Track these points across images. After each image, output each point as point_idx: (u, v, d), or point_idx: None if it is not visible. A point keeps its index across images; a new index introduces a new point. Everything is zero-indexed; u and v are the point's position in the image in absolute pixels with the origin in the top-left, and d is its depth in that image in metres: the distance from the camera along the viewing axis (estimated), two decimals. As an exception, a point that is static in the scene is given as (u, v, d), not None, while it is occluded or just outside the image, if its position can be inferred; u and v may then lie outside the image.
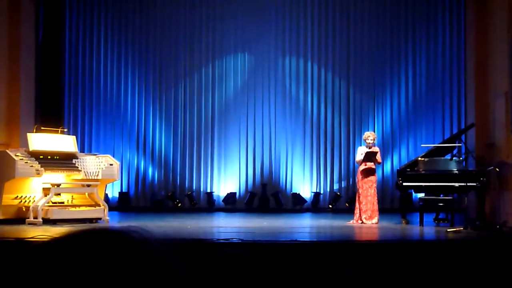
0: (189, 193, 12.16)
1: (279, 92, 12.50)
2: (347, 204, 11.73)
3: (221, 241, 5.92)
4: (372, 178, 8.95)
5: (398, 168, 9.97)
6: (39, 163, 8.06)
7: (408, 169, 9.10)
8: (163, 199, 12.22)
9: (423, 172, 8.82)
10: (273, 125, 12.48)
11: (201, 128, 12.52)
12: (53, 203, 8.16)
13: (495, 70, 9.78)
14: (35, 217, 7.73)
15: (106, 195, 10.02)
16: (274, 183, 12.32)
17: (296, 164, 12.42)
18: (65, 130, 9.82)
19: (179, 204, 12.06)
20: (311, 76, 12.57)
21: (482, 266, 5.07)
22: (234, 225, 8.66)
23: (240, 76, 12.62)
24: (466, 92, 11.41)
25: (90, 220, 8.24)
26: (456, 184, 8.48)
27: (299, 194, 12.11)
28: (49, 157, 8.36)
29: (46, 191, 8.02)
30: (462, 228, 7.38)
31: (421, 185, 8.79)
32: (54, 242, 0.71)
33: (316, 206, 12.02)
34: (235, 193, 12.23)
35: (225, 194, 12.18)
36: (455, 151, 9.78)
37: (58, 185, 8.19)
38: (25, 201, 8.09)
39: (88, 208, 8.40)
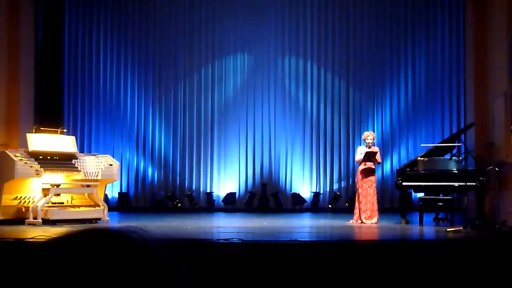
0: (188, 193, 12.16)
1: (278, 92, 12.50)
2: (346, 204, 11.73)
3: (221, 241, 5.92)
4: (372, 178, 8.95)
5: (398, 168, 9.98)
6: (38, 164, 8.06)
7: (408, 169, 9.11)
8: (162, 199, 12.21)
9: (422, 171, 8.82)
10: (272, 125, 12.48)
11: (200, 128, 12.52)
12: (52, 203, 8.16)
13: (494, 70, 9.78)
14: (35, 218, 7.73)
15: (105, 195, 10.02)
16: (274, 183, 12.33)
17: (295, 164, 12.42)
18: (65, 130, 9.82)
19: (179, 204, 12.06)
20: (310, 76, 12.57)
21: (482, 265, 5.07)
22: (234, 225, 8.66)
23: (239, 76, 12.63)
24: (466, 91, 11.42)
25: (90, 221, 8.23)
26: (456, 184, 8.48)
27: (298, 194, 12.12)
28: (48, 157, 8.36)
29: (45, 192, 8.02)
30: (461, 228, 7.38)
31: (421, 185, 8.79)
32: (53, 242, 0.71)
33: (315, 206, 12.03)
34: (235, 193, 12.23)
35: (225, 194, 12.18)
36: (454, 151, 9.78)
37: (58, 186, 8.19)
38: (25, 201, 8.09)
39: (87, 208, 8.40)
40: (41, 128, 9.10)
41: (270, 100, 12.50)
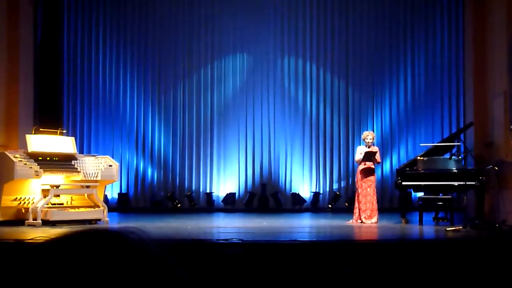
0: (188, 193, 12.16)
1: (278, 92, 12.50)
2: (346, 204, 11.74)
3: (221, 241, 5.91)
4: (372, 177, 8.95)
5: (397, 168, 9.97)
6: (38, 165, 8.05)
7: (407, 168, 9.11)
8: (162, 199, 12.21)
9: (422, 171, 8.83)
10: (272, 125, 12.48)
11: (200, 129, 12.52)
12: (52, 204, 8.15)
13: (493, 69, 9.79)
14: (35, 219, 7.72)
15: (105, 196, 10.01)
16: (274, 183, 12.33)
17: (295, 164, 12.42)
18: (64, 131, 9.81)
19: (179, 205, 12.06)
20: (310, 76, 12.58)
21: (482, 265, 5.07)
22: (233, 225, 8.65)
23: (239, 77, 12.63)
24: (465, 91, 11.43)
25: (90, 221, 8.23)
26: (455, 183, 8.48)
27: (298, 194, 12.12)
28: (48, 158, 8.35)
29: (45, 193, 8.02)
30: (461, 227, 7.38)
31: (420, 184, 8.79)
32: (51, 243, 0.71)
33: (315, 206, 12.03)
34: (235, 193, 12.23)
35: (224, 195, 12.18)
36: (454, 150, 9.79)
37: (57, 187, 8.18)
38: (24, 202, 8.08)
39: (87, 209, 8.39)
40: (41, 129, 9.10)
41: (270, 100, 12.50)
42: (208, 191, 12.29)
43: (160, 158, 12.48)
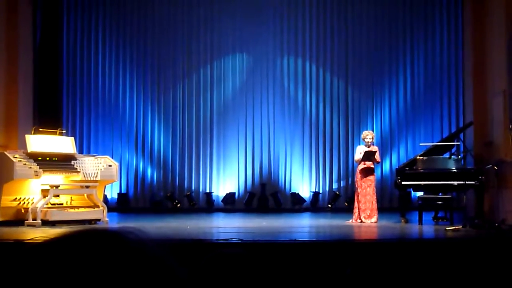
0: (188, 193, 12.16)
1: (277, 92, 12.50)
2: (346, 204, 11.74)
3: (221, 241, 5.91)
4: (371, 177, 8.95)
5: (397, 167, 9.98)
6: (37, 165, 8.05)
7: (407, 168, 9.11)
8: (162, 199, 12.21)
9: (421, 170, 8.83)
10: (271, 125, 12.48)
11: (199, 129, 12.53)
12: (52, 204, 8.15)
13: (493, 69, 9.80)
14: (34, 219, 7.72)
15: (105, 196, 10.01)
16: (273, 183, 12.33)
17: (295, 163, 12.43)
18: (64, 131, 9.81)
19: (178, 205, 12.06)
20: (309, 76, 12.58)
21: (481, 264, 5.07)
22: (233, 225, 8.65)
23: (238, 77, 12.63)
24: (464, 90, 11.43)
25: (89, 222, 8.23)
26: (455, 183, 8.48)
27: (298, 193, 12.12)
28: (47, 158, 8.35)
29: (45, 193, 8.02)
30: (461, 227, 7.38)
31: (420, 184, 8.80)
32: (50, 243, 0.71)
33: (315, 205, 12.03)
34: (234, 193, 12.23)
35: (224, 194, 12.18)
36: (453, 150, 9.79)
37: (57, 187, 8.18)
38: (24, 202, 8.08)
39: (87, 209, 8.39)
40: (40, 129, 9.10)
41: (269, 100, 12.51)
42: (207, 191, 12.29)
43: (159, 158, 12.48)
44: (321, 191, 12.28)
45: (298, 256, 5.40)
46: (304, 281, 4.98)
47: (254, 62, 12.54)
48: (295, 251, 5.53)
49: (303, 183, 12.35)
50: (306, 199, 12.10)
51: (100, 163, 8.75)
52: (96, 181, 8.55)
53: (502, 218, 8.22)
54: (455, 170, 8.63)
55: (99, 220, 8.29)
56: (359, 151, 9.06)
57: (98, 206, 8.42)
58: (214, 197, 12.20)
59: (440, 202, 8.58)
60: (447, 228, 7.38)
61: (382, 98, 12.48)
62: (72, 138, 9.12)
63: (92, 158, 8.90)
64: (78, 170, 8.50)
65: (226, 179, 12.40)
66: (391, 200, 11.93)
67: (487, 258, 5.19)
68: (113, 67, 12.63)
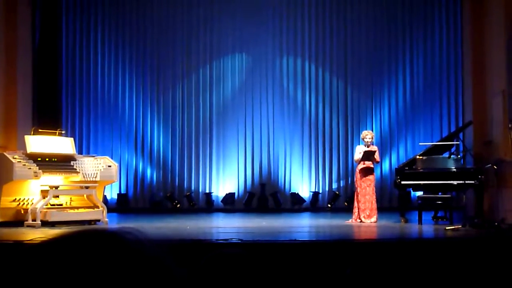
0: (187, 193, 12.15)
1: (277, 92, 12.50)
2: (345, 203, 11.73)
3: (220, 241, 5.92)
4: (371, 177, 8.95)
5: (397, 167, 9.98)
6: (37, 165, 8.04)
7: (407, 168, 9.11)
8: (162, 200, 12.21)
9: (421, 170, 8.83)
10: (271, 125, 12.48)
11: (199, 129, 12.52)
12: (51, 205, 8.15)
13: (492, 68, 9.80)
14: (34, 220, 7.72)
15: (104, 196, 10.00)
16: (273, 183, 12.33)
17: (294, 163, 12.43)
18: (63, 132, 9.81)
19: (178, 205, 12.05)
20: (308, 76, 12.58)
21: (481, 263, 5.07)
22: (233, 225, 8.65)
23: (238, 77, 12.63)
24: (464, 90, 11.44)
25: (89, 222, 8.23)
26: (455, 182, 8.49)
27: (297, 193, 12.12)
28: (47, 159, 8.34)
29: (44, 193, 8.01)
30: (460, 226, 7.39)
31: (420, 184, 8.80)
32: (47, 244, 0.71)
33: (315, 205, 12.03)
34: (234, 193, 12.23)
35: (224, 195, 12.18)
36: (453, 149, 9.79)
37: (57, 187, 8.18)
38: (24, 203, 8.07)
39: (86, 210, 8.39)
40: (39, 130, 9.09)
41: (269, 100, 12.51)
42: (207, 191, 12.29)
43: (159, 158, 12.47)
44: (320, 191, 12.28)
45: (298, 256, 5.40)
46: (304, 281, 4.97)
47: (253, 62, 12.54)
48: (295, 251, 5.53)
49: (302, 183, 12.35)
50: (306, 199, 12.10)
51: (100, 163, 8.74)
52: (95, 182, 8.55)
53: (501, 218, 8.23)
54: (454, 169, 8.63)
55: (98, 220, 8.29)
56: (359, 151, 9.06)
57: (97, 207, 8.42)
58: (213, 197, 12.20)
59: (439, 202, 8.59)
60: (447, 228, 7.39)
61: (381, 98, 12.48)
62: (72, 138, 9.11)
63: (92, 158, 8.90)
64: (78, 170, 8.49)
65: (225, 179, 12.40)
66: (391, 200, 11.94)
67: (487, 258, 5.19)
68: (113, 68, 12.63)
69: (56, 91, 12.14)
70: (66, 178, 8.50)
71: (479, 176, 8.41)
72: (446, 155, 9.37)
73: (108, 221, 8.43)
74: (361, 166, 8.96)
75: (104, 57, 12.64)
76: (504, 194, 8.61)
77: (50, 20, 11.93)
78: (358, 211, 8.84)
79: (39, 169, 8.02)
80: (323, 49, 12.59)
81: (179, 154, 12.48)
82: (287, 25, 12.58)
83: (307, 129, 12.49)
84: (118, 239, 0.72)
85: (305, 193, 12.23)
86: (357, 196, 8.93)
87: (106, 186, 9.62)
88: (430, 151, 9.34)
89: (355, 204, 8.96)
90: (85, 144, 12.39)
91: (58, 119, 11.95)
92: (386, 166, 12.25)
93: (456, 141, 9.65)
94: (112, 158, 9.64)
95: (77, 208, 8.43)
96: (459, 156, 9.35)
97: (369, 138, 9.03)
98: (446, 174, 8.61)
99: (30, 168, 7.95)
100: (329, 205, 12.02)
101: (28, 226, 7.67)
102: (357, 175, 9.01)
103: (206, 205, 12.07)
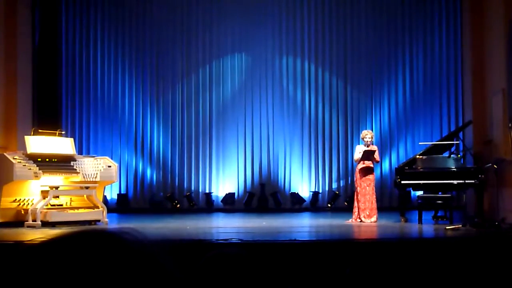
0: (187, 194, 12.16)
1: (276, 92, 12.50)
2: (345, 203, 11.73)
3: (220, 241, 5.92)
4: (371, 176, 8.95)
5: (396, 166, 9.97)
6: (37, 166, 8.05)
7: (406, 167, 9.11)
8: (161, 200, 12.21)
9: (421, 170, 8.83)
10: (271, 125, 12.48)
11: (199, 129, 12.53)
12: (51, 205, 8.15)
13: (492, 67, 9.80)
14: (34, 220, 7.72)
15: (104, 197, 10.00)
16: (273, 183, 12.33)
17: (294, 163, 12.43)
18: (63, 132, 9.81)
19: (178, 205, 12.05)
20: (308, 76, 12.58)
21: (481, 263, 5.08)
22: (233, 225, 8.66)
23: (237, 77, 12.63)
24: (464, 89, 11.44)
25: (89, 222, 8.23)
26: (455, 182, 8.49)
27: (297, 193, 12.12)
28: (47, 159, 8.35)
29: (44, 194, 8.02)
30: (460, 226, 7.39)
31: (420, 183, 8.80)
32: (47, 244, 0.71)
33: (314, 205, 12.03)
34: (234, 193, 12.23)
35: (223, 195, 12.18)
36: (453, 149, 9.79)
37: (57, 188, 8.18)
38: (24, 204, 8.08)
39: (86, 210, 8.39)
40: (39, 130, 9.10)
41: (268, 100, 12.51)
42: (207, 191, 12.29)
43: (159, 158, 12.48)
44: (320, 191, 12.28)
45: (298, 256, 5.40)
46: (303, 281, 4.98)
47: (253, 62, 12.54)
48: (294, 251, 5.53)
49: (302, 183, 12.35)
50: (306, 199, 12.10)
51: (100, 163, 8.75)
52: (95, 182, 8.55)
53: (502, 217, 8.23)
54: (454, 169, 8.63)
55: (98, 220, 8.29)
56: (359, 151, 9.05)
57: (97, 207, 8.42)
58: (213, 197, 12.20)
59: (439, 201, 8.58)
60: (447, 227, 7.39)
61: (381, 98, 12.48)
62: (72, 139, 9.11)
63: (92, 159, 8.90)
64: (78, 171, 8.49)
65: (225, 179, 12.40)
66: (391, 200, 11.94)
67: (487, 257, 5.19)
68: (112, 68, 12.63)
69: (56, 91, 12.14)
70: (66, 178, 8.50)
71: (479, 176, 8.41)
72: (446, 154, 9.37)
73: (108, 221, 8.43)
74: (361, 165, 8.96)
75: (103, 57, 12.64)
76: (504, 194, 8.61)
77: (50, 20, 11.94)
78: (358, 211, 8.84)
79: (39, 169, 8.02)
80: (323, 49, 12.59)
81: (179, 154, 12.48)
82: (287, 25, 12.58)
83: (307, 129, 12.49)
84: (117, 239, 0.72)
85: (305, 193, 12.23)
86: (357, 195, 8.93)
87: (106, 186, 9.62)
88: (430, 151, 9.34)
89: (355, 203, 8.96)
90: (85, 144, 12.39)
91: (58, 119, 11.95)
92: (386, 165, 12.25)
93: (456, 141, 9.65)
94: (112, 158, 9.65)
95: (77, 208, 8.43)
96: (459, 155, 9.35)
97: (369, 138, 9.04)
98: (446, 173, 8.61)
99: (30, 169, 7.95)
100: (329, 205, 12.02)
101: (29, 226, 7.67)
102: (357, 175, 9.01)
103: (206, 205, 12.07)
